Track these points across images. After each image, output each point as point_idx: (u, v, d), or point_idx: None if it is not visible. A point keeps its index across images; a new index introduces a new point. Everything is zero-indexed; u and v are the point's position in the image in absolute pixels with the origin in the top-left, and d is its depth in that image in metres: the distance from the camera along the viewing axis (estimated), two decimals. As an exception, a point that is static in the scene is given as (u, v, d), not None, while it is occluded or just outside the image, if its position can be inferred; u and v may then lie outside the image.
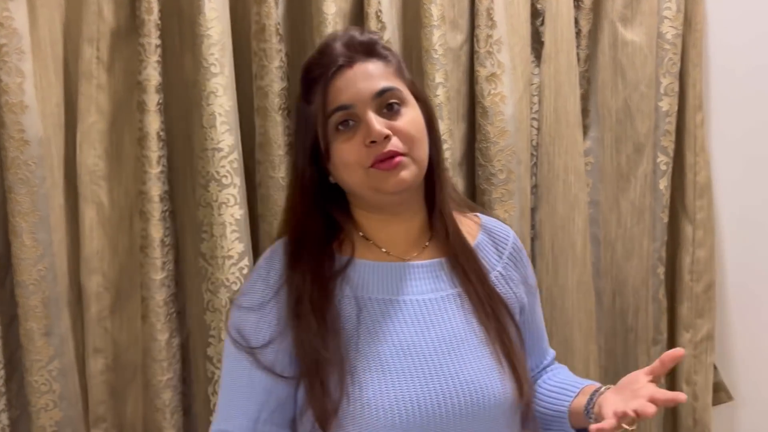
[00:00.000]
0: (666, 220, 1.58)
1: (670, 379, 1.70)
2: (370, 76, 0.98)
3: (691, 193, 1.60)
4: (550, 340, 1.54)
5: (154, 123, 1.48)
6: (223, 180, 1.49)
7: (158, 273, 1.52)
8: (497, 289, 1.06)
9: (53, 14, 1.50)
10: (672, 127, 1.56)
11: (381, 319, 0.98)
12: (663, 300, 1.60)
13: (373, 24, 1.49)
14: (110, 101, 1.51)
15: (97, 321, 1.54)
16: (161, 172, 1.51)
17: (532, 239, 1.59)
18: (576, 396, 1.06)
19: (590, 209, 1.64)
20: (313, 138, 1.01)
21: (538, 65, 1.58)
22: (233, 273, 1.48)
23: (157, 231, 1.51)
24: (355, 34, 1.02)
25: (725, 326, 1.75)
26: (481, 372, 0.96)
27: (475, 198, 1.56)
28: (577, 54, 1.58)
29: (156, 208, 1.50)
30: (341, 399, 0.93)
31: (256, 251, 1.57)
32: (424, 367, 0.95)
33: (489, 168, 1.51)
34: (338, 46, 1.00)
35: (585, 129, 1.63)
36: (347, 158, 0.98)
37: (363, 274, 1.02)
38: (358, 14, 1.53)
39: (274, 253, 1.06)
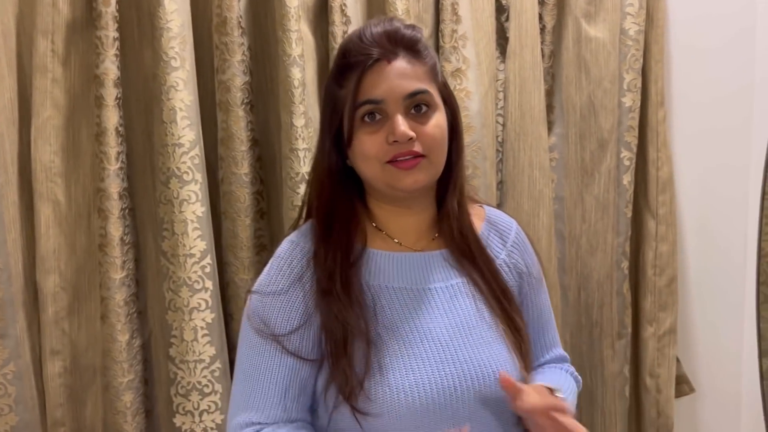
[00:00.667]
0: (630, 215, 1.59)
1: (635, 372, 1.71)
2: (405, 76, 0.98)
3: (654, 188, 1.62)
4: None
5: (112, 118, 1.44)
6: (185, 176, 1.45)
7: (118, 272, 1.48)
8: (502, 277, 1.08)
9: (5, 5, 1.44)
10: (635, 123, 1.57)
11: (397, 306, 1.01)
12: (627, 294, 1.61)
13: (337, 18, 1.47)
14: (66, 96, 1.47)
15: (54, 322, 1.49)
16: (120, 168, 1.47)
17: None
18: None
19: (555, 205, 1.64)
20: (339, 122, 1.02)
21: (504, 61, 1.58)
22: (195, 271, 1.45)
23: (116, 229, 1.47)
24: (400, 26, 1.01)
25: (687, 319, 1.78)
26: (492, 356, 0.99)
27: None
28: (542, 50, 1.59)
29: (115, 206, 1.46)
30: (367, 372, 0.95)
31: (218, 249, 1.54)
32: (441, 352, 0.98)
33: (455, 163, 1.50)
34: (381, 36, 0.99)
35: (550, 125, 1.64)
36: (368, 151, 0.99)
37: (378, 263, 1.04)
38: (322, 7, 1.51)
39: (297, 239, 1.05)
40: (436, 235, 1.08)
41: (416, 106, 0.99)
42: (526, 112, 1.54)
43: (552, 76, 1.62)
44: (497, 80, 1.58)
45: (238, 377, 1.03)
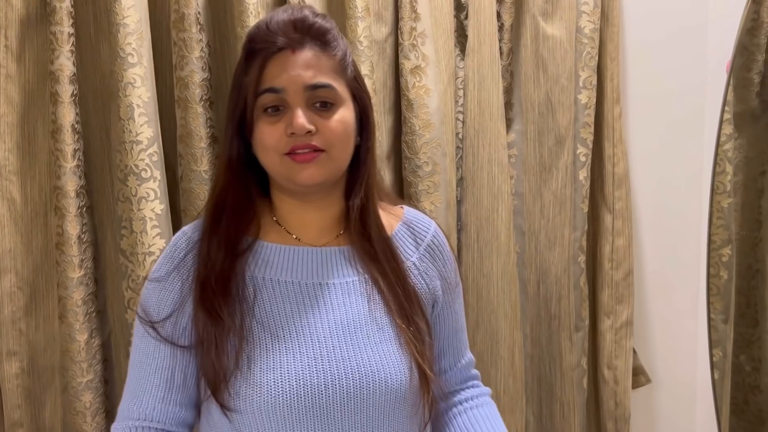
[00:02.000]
0: (586, 209, 1.62)
1: (593, 363, 1.75)
2: (309, 67, 0.96)
3: (610, 183, 1.65)
4: (476, 329, 1.58)
5: (68, 115, 1.43)
6: (143, 174, 1.44)
7: (75, 271, 1.46)
8: (409, 279, 1.06)
9: (-44, 0, 1.42)
10: (591, 120, 1.60)
11: (279, 300, 0.99)
12: (584, 287, 1.65)
13: (296, 15, 1.47)
14: (21, 92, 1.44)
15: (11, 322, 1.47)
16: (77, 166, 1.45)
17: (459, 230, 1.60)
18: None
19: (515, 201, 1.66)
20: (242, 109, 1.00)
21: (463, 58, 1.60)
22: (155, 269, 1.44)
23: (73, 227, 1.45)
24: (309, 15, 0.98)
25: (643, 312, 1.82)
26: (376, 358, 0.96)
27: (402, 190, 1.56)
28: (500, 47, 1.60)
29: (72, 204, 1.45)
30: (236, 367, 0.94)
31: (178, 247, 1.53)
32: (316, 349, 0.95)
33: (415, 160, 1.51)
34: (287, 24, 0.97)
35: (509, 122, 1.66)
36: (267, 141, 0.97)
37: (266, 255, 1.02)
38: (280, 4, 1.51)
39: (188, 229, 1.05)
40: (341, 232, 1.06)
41: (320, 101, 0.97)
42: (485, 109, 1.56)
43: (510, 73, 1.65)
44: (456, 78, 1.60)
45: (129, 366, 1.04)
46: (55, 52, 1.41)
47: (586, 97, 1.58)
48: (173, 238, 1.06)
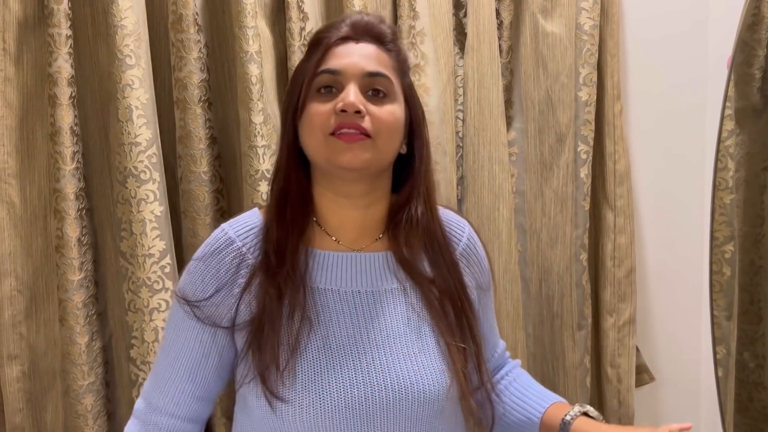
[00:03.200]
0: (587, 207, 1.62)
1: (596, 362, 1.74)
2: (369, 57, 0.97)
3: (611, 180, 1.64)
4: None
5: (66, 117, 1.42)
6: (142, 175, 1.44)
7: (76, 274, 1.46)
8: (464, 289, 1.05)
9: (-46, 3, 1.41)
10: (591, 117, 1.60)
11: (320, 309, 0.98)
12: (586, 286, 1.64)
13: (294, 14, 1.47)
14: (19, 95, 1.44)
15: (11, 326, 1.47)
16: (76, 168, 1.45)
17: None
18: (547, 408, 1.08)
19: (516, 199, 1.66)
20: (298, 94, 0.99)
21: (463, 57, 1.59)
22: (155, 272, 1.44)
23: (73, 230, 1.45)
24: (375, 22, 1.01)
25: (645, 310, 1.81)
26: (414, 369, 0.96)
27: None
28: (500, 45, 1.60)
29: (71, 206, 1.44)
30: (293, 354, 0.94)
31: (178, 248, 1.52)
32: (355, 360, 0.95)
33: (415, 159, 1.51)
34: (353, 23, 0.99)
35: (509, 120, 1.65)
36: (314, 120, 0.95)
37: (309, 261, 1.01)
38: (279, 4, 1.50)
39: (224, 227, 1.03)
40: (380, 236, 1.04)
41: (374, 90, 0.97)
42: (485, 108, 1.55)
43: (510, 71, 1.64)
44: (456, 76, 1.59)
45: (161, 347, 1.04)
46: (53, 54, 1.41)
47: (587, 94, 1.58)
48: (214, 233, 1.03)
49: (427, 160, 1.06)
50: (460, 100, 1.59)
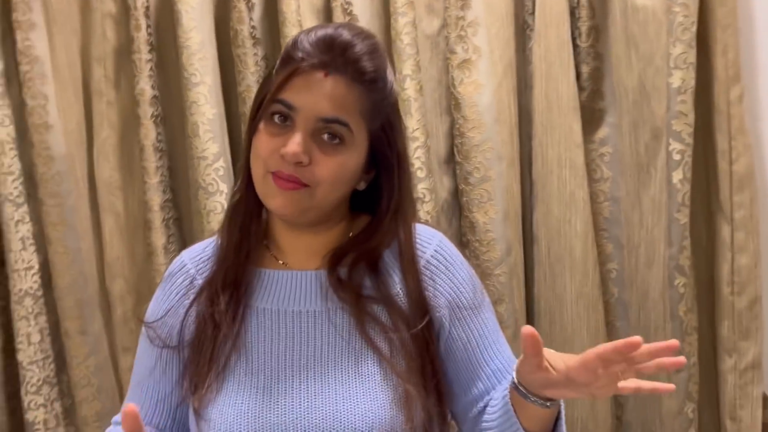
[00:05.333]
0: (684, 220, 1.27)
1: (710, 412, 1.38)
2: (333, 98, 0.89)
3: (727, 186, 1.27)
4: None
5: (150, 134, 1.55)
6: (209, 188, 1.51)
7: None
8: (398, 306, 0.94)
9: (69, 40, 1.62)
10: (687, 108, 1.25)
11: (254, 328, 0.95)
12: (686, 317, 1.30)
13: (340, 17, 1.41)
14: (119, 116, 1.61)
15: (123, 322, 1.65)
16: (160, 181, 1.56)
17: (532, 243, 1.39)
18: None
19: (610, 207, 1.39)
20: (256, 112, 0.96)
21: (525, 49, 1.38)
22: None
23: (158, 238, 1.57)
24: (362, 47, 0.90)
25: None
26: (345, 397, 0.89)
27: (458, 199, 1.41)
28: (578, 27, 1.34)
29: (157, 217, 1.57)
30: (216, 384, 0.93)
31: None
32: (281, 383, 0.91)
33: (465, 166, 1.35)
34: (337, 45, 0.89)
35: (600, 114, 1.39)
36: (260, 150, 0.92)
37: (252, 280, 0.98)
38: (327, 12, 1.45)
39: (183, 255, 1.07)
40: (327, 254, 0.97)
41: (329, 134, 0.90)
42: (553, 102, 1.32)
43: (596, 55, 1.37)
44: (529, 65, 1.38)
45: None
46: (135, 77, 1.54)
47: (680, 79, 1.24)
48: (176, 258, 1.08)
49: (398, 200, 0.97)
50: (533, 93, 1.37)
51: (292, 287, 0.96)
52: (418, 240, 0.98)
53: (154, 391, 1.02)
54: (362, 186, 0.97)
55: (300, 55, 0.90)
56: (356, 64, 0.89)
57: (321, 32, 0.90)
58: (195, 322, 0.97)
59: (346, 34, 0.90)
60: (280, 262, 0.99)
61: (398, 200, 0.96)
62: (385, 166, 0.96)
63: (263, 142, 0.91)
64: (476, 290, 0.98)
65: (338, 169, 0.90)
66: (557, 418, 0.90)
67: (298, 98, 0.89)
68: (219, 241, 1.01)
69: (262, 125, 0.92)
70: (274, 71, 0.95)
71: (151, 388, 1.03)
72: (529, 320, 1.42)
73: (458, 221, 1.42)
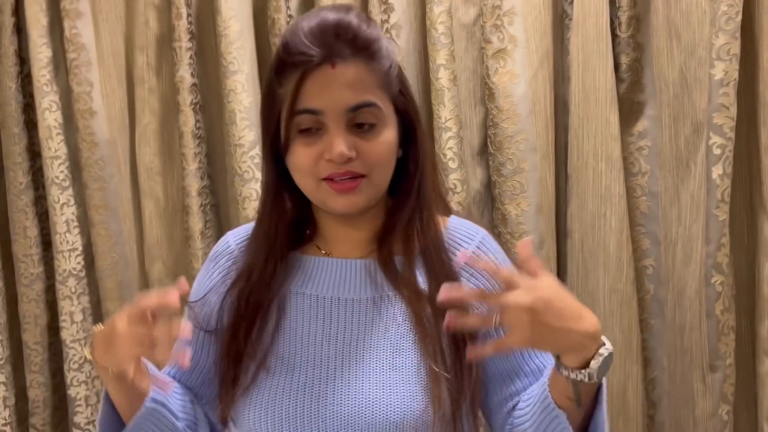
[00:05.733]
0: (723, 217, 1.22)
1: (748, 416, 1.34)
2: (350, 85, 0.87)
3: (770, 181, 1.23)
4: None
5: (189, 121, 1.57)
6: (245, 175, 1.53)
7: (200, 263, 1.61)
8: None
9: (114, 28, 1.66)
10: (730, 100, 1.20)
11: (293, 313, 0.95)
12: (722, 317, 1.26)
13: (375, 8, 1.40)
14: (160, 103, 1.64)
15: (161, 305, 1.69)
16: (198, 168, 1.59)
17: (566, 237, 1.37)
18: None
19: (648, 202, 1.36)
20: (276, 124, 0.94)
21: (563, 39, 1.35)
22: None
23: (195, 223, 1.60)
24: (353, 21, 0.87)
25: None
26: (381, 386, 0.88)
27: (490, 191, 1.39)
28: (617, 16, 1.31)
29: (194, 202, 1.60)
30: (253, 382, 0.92)
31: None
32: (316, 369, 0.91)
33: (498, 157, 1.33)
34: (328, 31, 0.87)
35: (640, 106, 1.35)
36: (302, 164, 0.91)
37: (292, 266, 0.98)
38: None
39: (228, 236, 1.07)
40: (377, 246, 0.96)
41: (363, 119, 0.88)
42: (590, 93, 1.29)
43: (636, 46, 1.33)
44: (568, 55, 1.35)
45: None
46: (176, 65, 1.57)
47: (722, 71, 1.19)
48: (221, 239, 1.07)
49: (423, 163, 0.96)
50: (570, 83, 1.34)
51: (336, 274, 0.96)
52: (460, 233, 0.97)
53: (192, 360, 1.01)
54: (399, 153, 0.94)
55: (299, 58, 0.87)
56: (357, 42, 0.87)
57: (306, 26, 0.87)
58: (232, 308, 0.97)
59: (331, 17, 0.87)
60: (323, 251, 0.99)
61: (422, 162, 0.95)
62: (412, 130, 0.94)
63: (302, 156, 0.90)
64: None
65: (384, 149, 0.90)
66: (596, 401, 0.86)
67: (319, 100, 0.87)
68: (251, 236, 1.01)
69: (293, 142, 0.90)
70: (274, 84, 0.92)
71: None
72: (561, 315, 1.39)
73: (490, 213, 1.40)
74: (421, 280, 0.93)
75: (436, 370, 0.88)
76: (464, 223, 1.00)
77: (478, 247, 0.96)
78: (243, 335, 0.94)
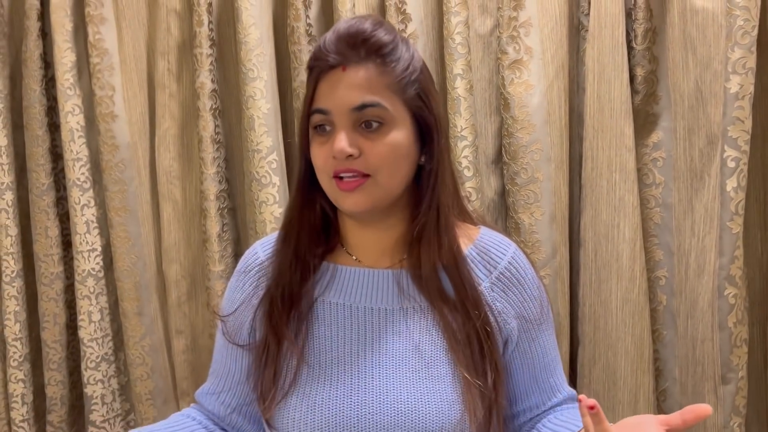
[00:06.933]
0: (737, 230, 1.23)
1: (764, 429, 1.34)
2: (357, 86, 0.91)
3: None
4: (593, 364, 1.35)
5: (208, 126, 1.60)
6: (263, 180, 1.55)
7: (216, 265, 1.64)
8: (481, 311, 0.95)
9: (137, 34, 1.69)
10: (745, 114, 1.21)
11: (327, 323, 0.97)
12: (735, 329, 1.26)
13: (394, 18, 1.42)
14: (180, 108, 1.67)
15: (177, 305, 1.72)
16: (216, 172, 1.62)
17: (578, 247, 1.38)
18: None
19: (662, 213, 1.36)
20: (304, 126, 1.00)
21: (579, 50, 1.36)
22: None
23: (213, 226, 1.63)
24: (368, 27, 0.92)
25: None
26: (417, 396, 0.90)
27: (504, 199, 1.40)
28: (633, 29, 1.32)
29: (212, 206, 1.62)
30: (293, 385, 0.94)
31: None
32: (353, 378, 0.93)
33: (513, 166, 1.34)
34: (342, 39, 0.92)
35: (655, 117, 1.36)
36: (317, 161, 0.96)
37: (324, 275, 1.01)
38: (380, 7, 1.47)
39: (255, 246, 1.09)
40: (405, 256, 0.98)
41: (367, 121, 0.91)
42: (605, 105, 1.30)
43: (652, 58, 1.34)
44: (584, 66, 1.36)
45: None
46: (196, 71, 1.59)
47: (738, 84, 1.20)
48: (247, 251, 1.10)
49: (438, 170, 0.97)
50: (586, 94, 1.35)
51: (367, 284, 0.98)
52: (493, 247, 0.99)
53: (229, 376, 1.06)
54: (422, 160, 0.96)
55: (317, 63, 0.93)
56: (368, 45, 0.90)
57: (328, 35, 0.93)
58: (264, 316, 0.99)
59: (348, 24, 0.92)
60: (354, 258, 1.01)
61: (436, 168, 0.95)
62: (429, 136, 0.96)
63: (317, 154, 0.94)
64: (543, 305, 0.99)
65: (389, 149, 0.91)
66: None
67: (328, 101, 0.91)
68: (278, 244, 1.02)
69: (311, 141, 0.95)
70: (306, 89, 0.97)
71: (225, 375, 1.06)
72: (573, 324, 1.40)
73: (504, 221, 1.42)
74: (449, 287, 0.96)
75: (469, 378, 0.90)
76: (495, 235, 1.02)
77: (509, 262, 0.98)
78: (276, 344, 0.96)
